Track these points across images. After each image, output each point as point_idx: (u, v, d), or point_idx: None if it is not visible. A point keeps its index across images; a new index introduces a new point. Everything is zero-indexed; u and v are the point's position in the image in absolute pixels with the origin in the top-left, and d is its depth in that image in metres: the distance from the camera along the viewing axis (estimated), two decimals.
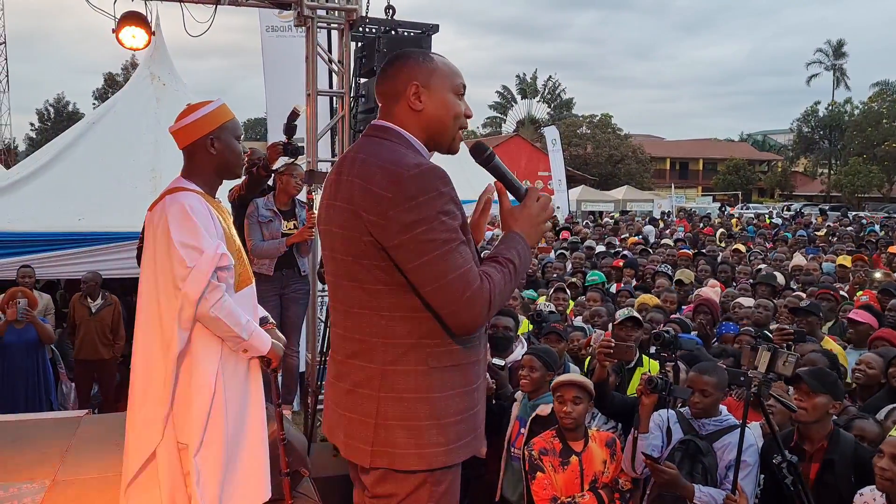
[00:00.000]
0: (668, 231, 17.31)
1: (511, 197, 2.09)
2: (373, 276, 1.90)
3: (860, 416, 3.55)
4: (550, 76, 57.49)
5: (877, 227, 17.96)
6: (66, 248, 6.86)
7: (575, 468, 3.51)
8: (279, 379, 3.20)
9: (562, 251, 10.63)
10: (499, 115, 57.63)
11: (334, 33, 5.98)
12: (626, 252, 10.81)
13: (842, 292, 7.04)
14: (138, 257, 3.96)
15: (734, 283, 7.82)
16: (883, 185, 45.22)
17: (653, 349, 3.78)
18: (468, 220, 2.01)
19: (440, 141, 2.04)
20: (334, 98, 6.07)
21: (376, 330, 1.93)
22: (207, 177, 2.81)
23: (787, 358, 3.06)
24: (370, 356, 1.94)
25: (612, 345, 3.73)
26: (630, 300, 6.49)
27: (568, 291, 7.09)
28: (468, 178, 10.96)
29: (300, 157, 5.08)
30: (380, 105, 2.07)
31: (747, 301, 6.13)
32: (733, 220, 21.96)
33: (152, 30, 6.50)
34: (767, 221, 21.44)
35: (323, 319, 5.71)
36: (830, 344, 4.97)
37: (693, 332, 5.34)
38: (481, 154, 2.03)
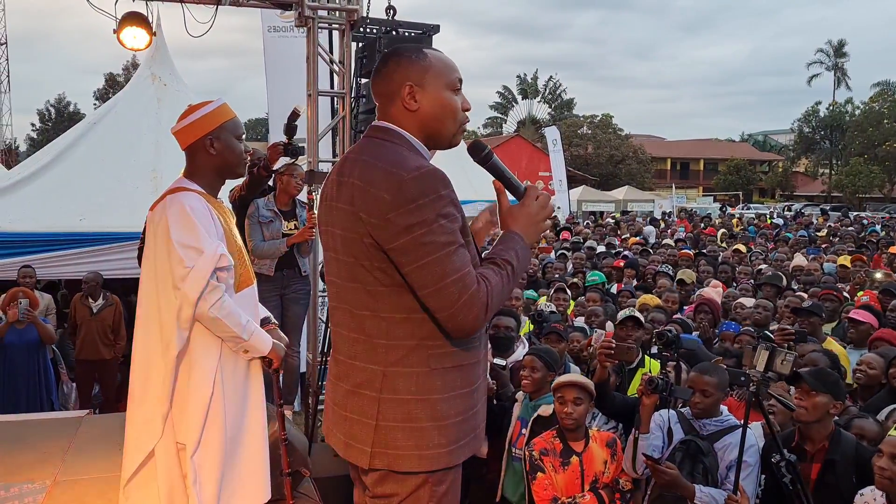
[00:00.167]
0: (668, 231, 17.30)
1: (510, 196, 2.08)
2: (373, 278, 1.90)
3: (860, 415, 3.55)
4: (551, 76, 57.86)
5: (878, 228, 17.94)
6: (67, 248, 6.86)
7: (575, 468, 3.51)
8: (280, 379, 3.20)
9: (562, 251, 10.62)
10: (499, 115, 57.69)
11: (335, 34, 5.98)
12: (626, 252, 10.81)
13: (843, 293, 7.02)
14: (139, 257, 3.96)
15: (735, 284, 7.82)
16: (884, 186, 45.19)
17: (655, 348, 3.79)
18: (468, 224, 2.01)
19: (439, 138, 2.03)
20: (335, 98, 6.07)
21: (378, 331, 1.93)
22: (208, 177, 2.81)
23: (786, 356, 3.06)
24: (372, 357, 1.94)
25: (613, 345, 3.73)
26: (631, 300, 6.49)
27: (568, 292, 7.09)
28: (469, 179, 11.00)
29: (300, 157, 5.08)
30: (377, 105, 2.06)
31: (749, 301, 6.13)
32: (734, 221, 21.95)
33: (153, 30, 6.50)
34: (769, 222, 21.42)
35: (324, 320, 5.71)
36: (833, 345, 4.96)
37: (694, 333, 5.33)
38: (479, 153, 2.02)
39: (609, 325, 5.43)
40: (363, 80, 5.71)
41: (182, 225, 2.60)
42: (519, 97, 56.29)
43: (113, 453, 3.70)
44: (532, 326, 5.51)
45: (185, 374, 2.64)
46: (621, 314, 4.59)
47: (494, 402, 4.06)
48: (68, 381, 6.86)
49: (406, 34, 5.42)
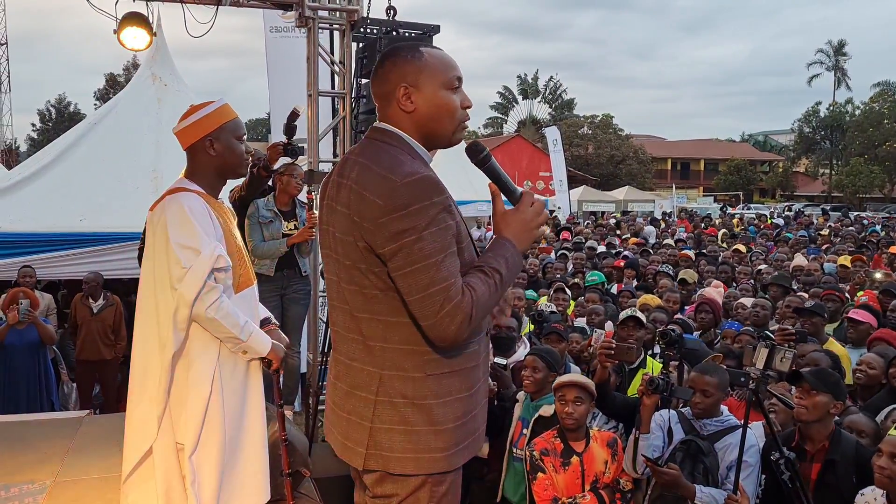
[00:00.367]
0: (668, 231, 17.30)
1: (505, 200, 2.07)
2: (369, 282, 1.90)
3: (852, 410, 3.56)
4: (552, 76, 57.94)
5: (878, 228, 17.93)
6: (67, 248, 6.87)
7: (576, 468, 3.51)
8: (281, 379, 3.20)
9: (563, 251, 10.62)
10: (500, 115, 57.74)
11: (336, 34, 5.99)
12: (626, 252, 10.81)
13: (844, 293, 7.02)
14: (139, 258, 3.96)
15: (734, 284, 7.82)
16: (884, 186, 45.19)
17: (658, 348, 3.79)
18: (467, 224, 2.00)
19: (437, 138, 2.02)
20: (336, 99, 6.07)
21: (375, 334, 1.93)
22: (209, 177, 2.81)
23: (785, 354, 3.07)
24: (369, 359, 1.95)
25: (613, 346, 3.73)
26: (632, 300, 6.49)
27: (569, 292, 7.09)
28: (469, 179, 11.01)
29: (300, 157, 5.09)
30: (376, 105, 2.06)
31: (749, 301, 6.13)
32: (734, 221, 21.95)
33: (153, 30, 6.50)
34: (769, 222, 21.42)
35: (324, 320, 5.71)
36: (835, 346, 4.95)
37: (695, 333, 5.34)
38: (477, 155, 2.01)
39: (609, 325, 5.43)
40: (363, 81, 5.71)
41: (180, 225, 2.60)
42: (519, 97, 56.34)
43: (113, 453, 3.70)
44: (532, 326, 5.52)
45: (183, 374, 2.64)
46: (623, 314, 4.60)
47: (495, 402, 4.06)
48: (69, 381, 6.86)
49: (406, 34, 5.42)
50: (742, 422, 3.11)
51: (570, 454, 3.53)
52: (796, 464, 3.07)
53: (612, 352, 3.71)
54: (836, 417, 3.35)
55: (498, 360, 4.26)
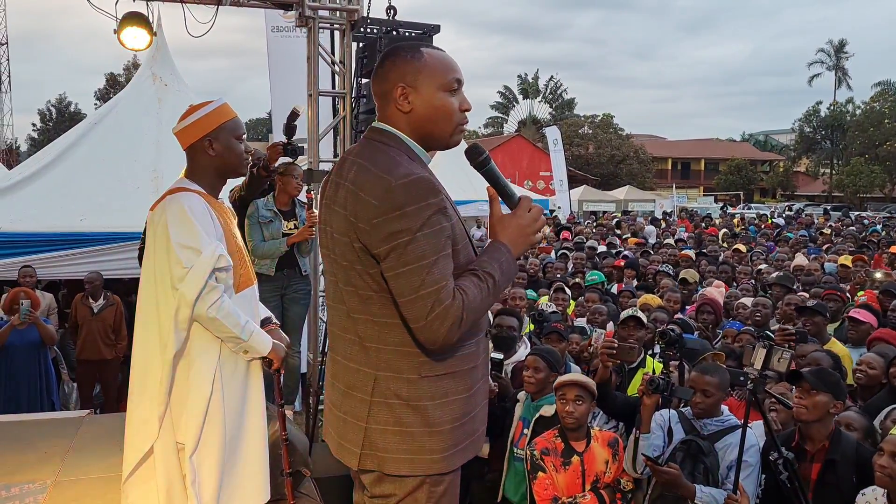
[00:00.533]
0: (669, 231, 17.29)
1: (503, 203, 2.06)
2: (364, 283, 1.90)
3: (846, 406, 3.56)
4: (552, 76, 57.90)
5: (878, 228, 17.93)
6: (67, 248, 6.87)
7: (576, 468, 3.50)
8: (281, 379, 3.20)
9: (563, 251, 10.62)
10: (500, 115, 57.72)
11: (336, 34, 5.99)
12: (626, 252, 10.81)
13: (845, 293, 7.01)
14: (140, 257, 3.96)
15: (735, 284, 7.82)
16: (885, 186, 45.17)
17: (658, 347, 3.79)
18: (467, 224, 1.99)
19: (434, 140, 2.02)
20: (336, 98, 6.07)
21: (370, 335, 1.93)
22: (209, 177, 2.81)
23: (782, 354, 3.08)
24: (365, 360, 1.95)
25: (615, 345, 3.73)
26: (633, 300, 6.49)
27: (569, 291, 7.09)
28: (469, 179, 11.00)
29: (300, 157, 5.09)
30: (376, 105, 2.06)
31: (749, 301, 6.13)
32: (735, 220, 21.95)
33: (154, 30, 6.50)
34: (769, 221, 21.42)
35: (325, 320, 5.72)
36: (836, 346, 4.95)
37: (696, 333, 5.33)
38: (476, 157, 2.00)
39: (610, 325, 5.43)
40: (364, 81, 5.71)
41: (181, 225, 2.60)
42: (520, 97, 56.31)
43: (113, 453, 3.70)
44: (533, 326, 5.51)
45: (183, 374, 2.64)
46: (623, 314, 4.60)
47: (496, 403, 4.05)
48: (69, 380, 6.86)
49: (406, 34, 5.41)
50: (742, 422, 3.12)
51: (570, 454, 3.53)
52: (794, 464, 3.07)
53: (614, 352, 3.72)
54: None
55: (494, 355, 4.24)
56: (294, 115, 4.72)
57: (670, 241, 13.01)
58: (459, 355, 1.96)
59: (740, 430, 3.13)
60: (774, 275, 7.80)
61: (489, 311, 4.96)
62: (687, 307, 6.60)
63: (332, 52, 5.98)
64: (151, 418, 2.63)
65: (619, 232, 16.31)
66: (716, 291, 6.67)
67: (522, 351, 4.57)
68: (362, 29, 5.60)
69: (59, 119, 47.62)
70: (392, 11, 5.46)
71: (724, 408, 3.48)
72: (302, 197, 5.38)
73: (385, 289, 1.87)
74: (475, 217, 13.77)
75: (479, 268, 1.92)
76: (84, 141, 7.84)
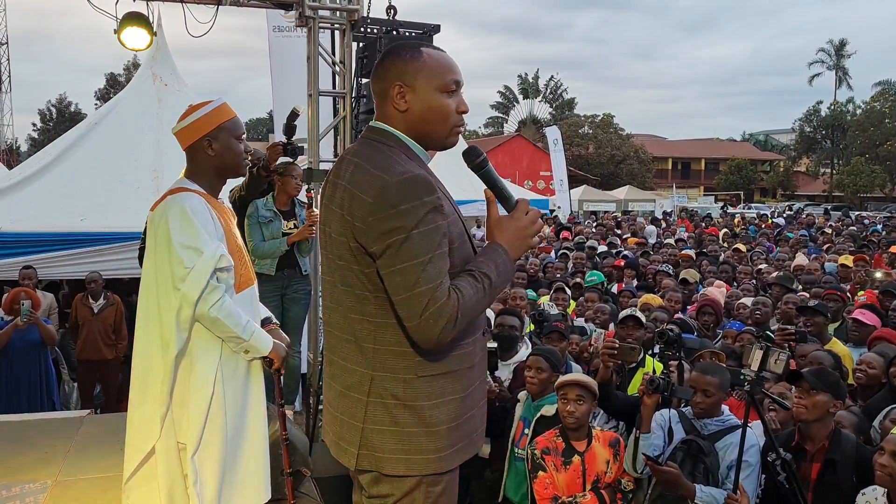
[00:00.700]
0: (669, 231, 17.29)
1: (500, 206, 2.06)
2: (360, 283, 1.91)
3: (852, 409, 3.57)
4: (552, 76, 57.93)
5: (879, 227, 17.93)
6: (68, 248, 6.87)
7: (577, 468, 3.50)
8: (281, 379, 3.21)
9: (563, 251, 10.62)
10: (501, 115, 57.76)
11: (336, 34, 5.98)
12: (626, 252, 10.81)
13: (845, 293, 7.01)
14: (140, 257, 3.97)
15: (735, 283, 7.82)
16: (885, 185, 45.17)
17: (657, 347, 3.79)
18: (467, 223, 1.99)
19: (429, 140, 2.02)
20: (336, 98, 6.07)
21: (366, 335, 1.93)
22: (209, 177, 2.82)
23: (779, 356, 3.08)
24: (361, 360, 1.95)
25: (616, 346, 3.74)
26: (633, 300, 6.49)
27: (569, 291, 7.09)
28: (470, 179, 10.99)
29: (300, 157, 5.08)
30: (374, 103, 2.06)
31: (750, 301, 6.13)
32: (735, 220, 21.94)
33: (154, 30, 6.49)
34: (769, 221, 21.42)
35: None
36: (837, 346, 4.95)
37: (696, 333, 5.33)
38: (473, 159, 2.00)
39: (612, 326, 5.43)
40: (364, 80, 5.71)
41: (182, 225, 2.60)
42: (520, 97, 56.29)
43: (114, 453, 3.71)
44: (533, 326, 5.51)
45: (185, 374, 2.64)
46: (623, 313, 4.60)
47: (496, 403, 4.05)
48: (69, 380, 6.86)
49: (407, 34, 5.41)
50: (742, 421, 3.12)
51: (571, 453, 3.53)
52: (793, 464, 3.07)
53: (615, 352, 3.72)
54: None
55: (489, 345, 4.20)
56: (294, 115, 4.72)
57: (670, 240, 13.01)
58: (456, 355, 1.96)
59: (740, 429, 3.13)
60: (774, 274, 7.80)
61: (491, 311, 5.01)
62: (687, 307, 6.59)
63: (333, 52, 5.98)
64: (153, 418, 2.64)
65: (619, 232, 16.31)
66: (717, 291, 6.67)
67: (524, 351, 4.56)
68: (362, 29, 5.59)
69: (60, 119, 47.62)
70: (392, 11, 5.46)
71: (725, 408, 3.48)
72: (302, 196, 5.38)
73: (381, 288, 1.87)
74: (475, 217, 13.77)
75: (475, 268, 1.92)
76: (84, 141, 7.85)
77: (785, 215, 25.98)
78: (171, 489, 2.64)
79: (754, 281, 7.91)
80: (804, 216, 22.85)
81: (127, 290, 7.33)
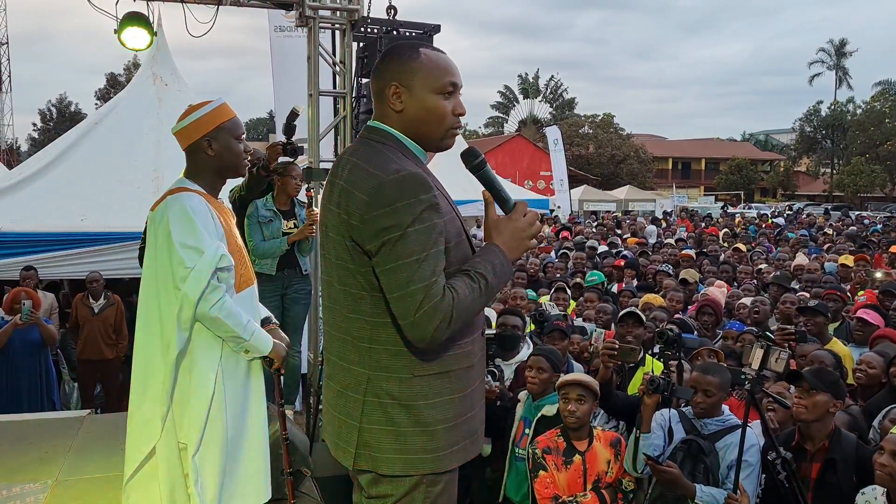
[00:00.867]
0: (669, 231, 17.29)
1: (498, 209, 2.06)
2: (357, 282, 1.91)
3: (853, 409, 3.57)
4: (553, 76, 57.93)
5: (879, 227, 17.93)
6: (68, 248, 6.88)
7: (578, 467, 3.50)
8: (281, 379, 3.21)
9: (564, 251, 10.63)
10: (501, 114, 57.74)
11: (337, 34, 5.98)
12: (626, 252, 10.81)
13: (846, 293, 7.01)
14: (140, 257, 3.97)
15: (736, 283, 7.82)
16: (885, 185, 45.17)
17: (657, 347, 3.79)
18: (466, 223, 1.99)
19: (424, 141, 2.01)
20: (337, 98, 6.07)
21: (363, 334, 1.93)
22: (208, 177, 2.81)
23: (779, 355, 3.08)
24: (358, 359, 1.95)
25: (616, 346, 3.73)
26: (633, 300, 6.49)
27: (569, 291, 7.09)
28: (470, 179, 11.00)
29: (301, 157, 5.08)
30: (373, 103, 2.06)
31: (750, 301, 6.13)
32: (736, 220, 21.95)
33: (154, 30, 6.49)
34: (769, 221, 21.42)
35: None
36: (837, 345, 4.95)
37: (696, 333, 5.33)
38: (472, 161, 1.99)
39: (612, 326, 5.43)
40: (364, 80, 5.71)
41: (183, 225, 2.60)
42: (520, 97, 56.29)
43: (114, 453, 3.70)
44: (534, 326, 5.51)
45: (186, 374, 2.64)
46: (623, 312, 4.60)
47: (497, 403, 4.05)
48: (70, 380, 6.87)
49: (407, 34, 5.41)
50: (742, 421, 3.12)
51: (572, 453, 3.53)
52: (792, 463, 3.07)
53: (615, 352, 3.72)
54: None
55: (498, 361, 4.23)
56: (293, 115, 4.71)
57: (671, 240, 13.02)
58: (453, 355, 1.95)
59: (740, 429, 3.13)
60: (772, 274, 7.80)
61: (493, 312, 5.01)
62: (688, 307, 6.59)
63: (333, 52, 5.98)
64: (154, 418, 2.64)
65: (619, 232, 16.31)
66: (718, 291, 6.67)
67: (525, 351, 4.57)
68: (363, 29, 5.59)
69: (60, 119, 47.61)
70: (392, 11, 5.46)
71: (725, 407, 3.48)
72: (301, 196, 5.38)
73: (377, 288, 1.87)
74: (475, 217, 13.77)
75: (471, 268, 1.91)
76: (84, 141, 7.85)
77: (785, 215, 25.98)
78: (172, 489, 2.64)
79: (755, 281, 7.91)
80: (804, 216, 22.86)
81: (127, 290, 7.34)
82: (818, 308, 5.27)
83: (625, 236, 15.05)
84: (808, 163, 55.53)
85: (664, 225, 19.60)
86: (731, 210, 30.07)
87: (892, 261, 9.84)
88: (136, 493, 2.70)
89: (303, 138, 5.33)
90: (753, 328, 5.16)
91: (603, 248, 11.76)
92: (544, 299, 6.71)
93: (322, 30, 5.78)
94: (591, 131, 48.36)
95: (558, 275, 8.57)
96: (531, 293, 6.89)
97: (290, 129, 4.72)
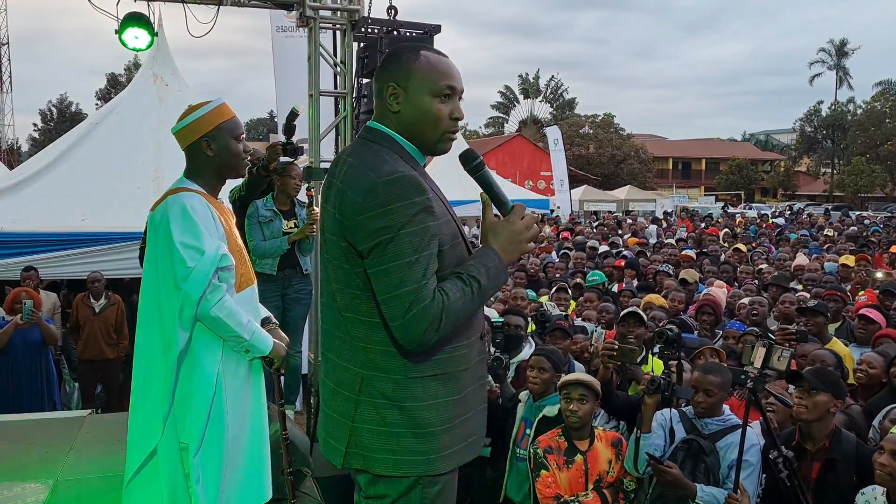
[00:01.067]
0: (669, 231, 17.29)
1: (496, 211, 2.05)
2: (352, 282, 1.91)
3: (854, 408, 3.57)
4: (553, 76, 57.94)
5: (879, 227, 17.93)
6: (69, 248, 6.89)
7: (580, 467, 3.51)
8: (282, 379, 3.21)
9: (564, 251, 10.63)
10: (501, 114, 57.77)
11: (337, 34, 5.98)
12: (626, 252, 10.81)
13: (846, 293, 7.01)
14: (141, 257, 3.97)
15: (736, 283, 7.81)
16: (886, 185, 45.16)
17: (657, 347, 3.78)
18: (465, 223, 1.98)
19: (420, 144, 2.00)
20: (337, 98, 6.07)
21: (359, 334, 1.93)
22: (208, 177, 2.82)
23: (782, 353, 3.07)
24: (353, 358, 1.95)
25: (615, 347, 3.73)
26: (634, 300, 6.49)
27: (569, 291, 7.09)
28: (471, 180, 11.00)
29: (301, 157, 5.08)
30: (374, 103, 2.06)
31: (749, 301, 6.13)
32: (736, 220, 21.95)
33: (155, 30, 6.50)
34: (770, 221, 21.41)
35: None
36: (837, 345, 4.95)
37: (696, 333, 5.33)
38: (470, 162, 1.98)
39: (614, 326, 5.43)
40: (365, 80, 5.71)
41: (183, 225, 2.61)
42: (520, 97, 56.30)
43: (115, 453, 3.71)
44: (534, 326, 5.51)
45: (187, 374, 2.64)
46: (625, 311, 4.60)
47: (499, 401, 4.05)
48: (71, 380, 6.87)
49: (407, 34, 5.42)
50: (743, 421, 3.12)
51: (573, 452, 3.54)
52: (794, 462, 3.07)
53: (615, 353, 3.72)
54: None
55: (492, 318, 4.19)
56: (293, 115, 4.72)
57: (671, 240, 13.01)
58: (447, 357, 1.94)
59: (741, 429, 3.13)
60: (772, 275, 7.80)
61: (494, 312, 5.01)
62: (688, 307, 6.59)
63: (334, 53, 5.98)
64: (155, 418, 2.64)
65: (619, 231, 16.31)
66: (719, 291, 6.67)
67: (527, 350, 4.57)
68: (363, 29, 5.60)
69: (61, 119, 47.63)
70: (393, 11, 5.47)
71: (726, 407, 3.48)
72: (301, 196, 5.39)
73: (370, 289, 1.87)
74: (475, 217, 13.78)
75: (464, 271, 1.90)
76: (85, 141, 7.85)
77: (785, 215, 25.97)
78: (173, 489, 2.64)
79: (756, 281, 7.90)
80: (805, 216, 22.85)
81: (128, 290, 7.34)
82: (818, 308, 5.28)
83: (625, 236, 15.05)
84: (808, 163, 55.53)
85: (664, 225, 19.59)
86: (731, 210, 30.04)
87: (892, 261, 9.84)
88: (137, 493, 2.71)
89: (304, 138, 5.33)
90: (755, 328, 5.16)
91: (603, 248, 11.76)
92: (545, 299, 6.70)
93: (323, 30, 5.78)
94: (591, 131, 48.37)
95: (559, 275, 8.57)
96: (531, 293, 6.89)
97: (289, 129, 4.72)
